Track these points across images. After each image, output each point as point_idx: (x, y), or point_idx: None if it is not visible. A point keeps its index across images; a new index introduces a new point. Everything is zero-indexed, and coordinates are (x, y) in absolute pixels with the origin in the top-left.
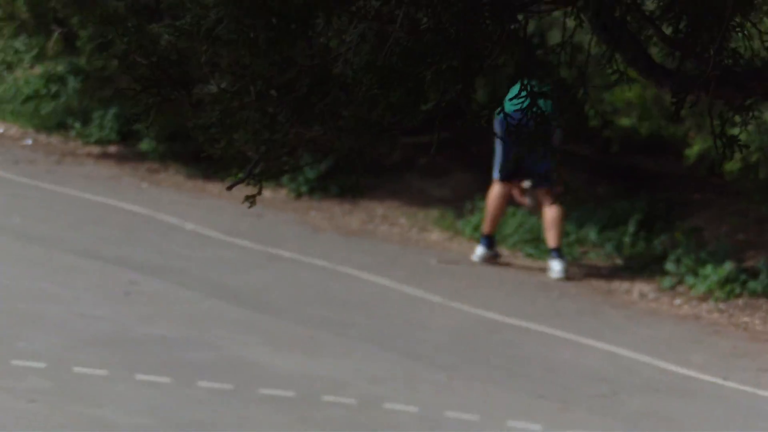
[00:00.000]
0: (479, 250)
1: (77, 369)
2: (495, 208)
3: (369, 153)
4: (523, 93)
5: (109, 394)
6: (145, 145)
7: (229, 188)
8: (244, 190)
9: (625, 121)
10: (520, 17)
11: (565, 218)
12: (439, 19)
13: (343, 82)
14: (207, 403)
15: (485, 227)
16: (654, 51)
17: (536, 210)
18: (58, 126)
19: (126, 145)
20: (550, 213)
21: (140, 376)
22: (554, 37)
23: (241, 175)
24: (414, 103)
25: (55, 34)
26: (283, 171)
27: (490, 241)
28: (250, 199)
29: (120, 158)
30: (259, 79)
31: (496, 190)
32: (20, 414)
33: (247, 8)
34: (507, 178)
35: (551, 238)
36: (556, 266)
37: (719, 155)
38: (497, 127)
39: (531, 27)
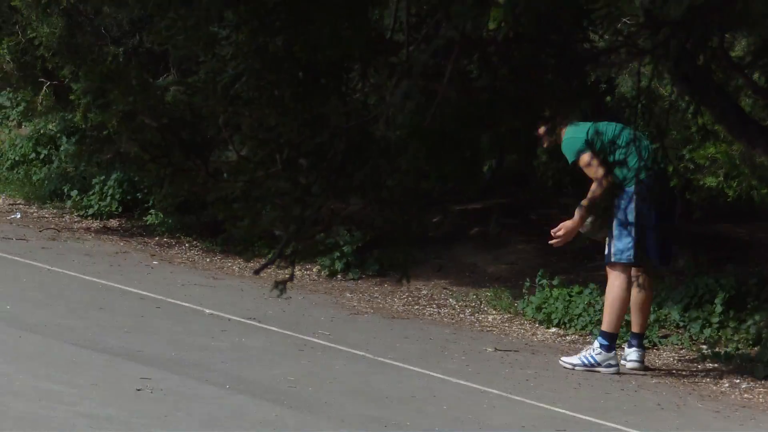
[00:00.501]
0: (604, 355)
1: None
2: (626, 301)
3: (416, 228)
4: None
5: None
6: (152, 217)
7: (257, 272)
8: (272, 269)
9: (710, 181)
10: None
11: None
12: (495, 75)
13: (384, 147)
14: None
15: (615, 325)
16: (744, 103)
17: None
18: (51, 195)
19: (130, 218)
20: (641, 294)
21: None
22: (625, 83)
23: (270, 256)
24: (471, 174)
25: (45, 87)
26: (318, 252)
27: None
28: (281, 287)
29: (124, 232)
30: (286, 144)
31: (625, 280)
32: None
33: (270, 61)
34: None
35: (636, 323)
36: (633, 355)
37: None
38: (626, 200)
39: (596, 71)
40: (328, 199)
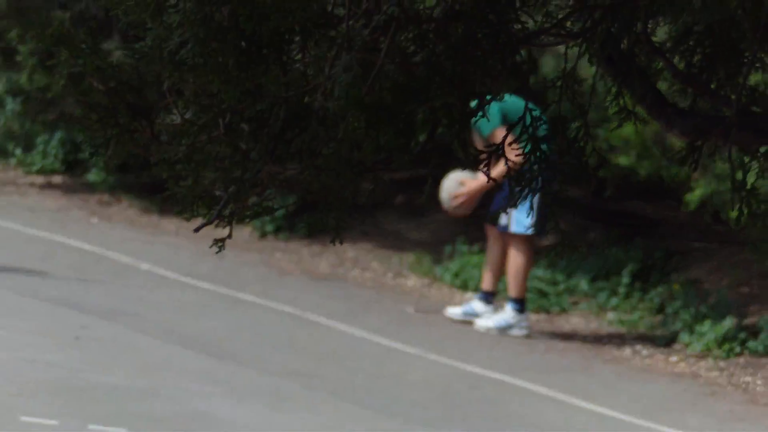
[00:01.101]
0: (517, 317)
1: (25, 418)
2: (530, 267)
3: (349, 194)
4: (525, 137)
5: None
6: (93, 176)
7: (197, 230)
8: (207, 229)
9: (622, 160)
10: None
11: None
12: (433, 51)
13: (323, 117)
14: None
15: (522, 290)
16: (663, 87)
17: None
18: None
19: (72, 175)
20: (502, 256)
21: (93, 427)
22: (547, 63)
23: (209, 216)
24: (405, 144)
25: None
26: (257, 213)
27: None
28: (219, 244)
29: (66, 189)
30: (228, 110)
31: (528, 250)
32: None
33: (215, 30)
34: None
35: (494, 282)
36: (492, 317)
37: (739, 211)
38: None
39: (530, 52)
40: (267, 163)
